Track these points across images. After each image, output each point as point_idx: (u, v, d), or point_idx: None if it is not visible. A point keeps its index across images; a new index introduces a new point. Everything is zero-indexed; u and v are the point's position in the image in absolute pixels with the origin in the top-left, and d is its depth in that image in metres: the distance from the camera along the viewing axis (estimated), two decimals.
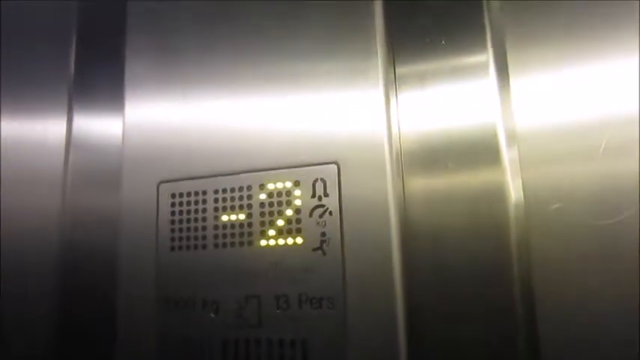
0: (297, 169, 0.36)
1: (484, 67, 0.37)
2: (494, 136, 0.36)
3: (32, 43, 0.50)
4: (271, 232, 0.36)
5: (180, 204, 0.38)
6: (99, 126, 0.47)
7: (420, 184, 0.37)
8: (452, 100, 0.38)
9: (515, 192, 0.35)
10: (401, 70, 0.39)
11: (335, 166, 0.35)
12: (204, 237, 0.37)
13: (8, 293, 0.44)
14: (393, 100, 0.37)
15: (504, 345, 0.34)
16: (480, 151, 0.36)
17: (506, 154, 0.35)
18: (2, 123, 0.48)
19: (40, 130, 0.47)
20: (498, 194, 0.35)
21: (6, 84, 0.49)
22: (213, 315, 0.36)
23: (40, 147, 0.47)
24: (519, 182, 0.35)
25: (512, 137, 0.36)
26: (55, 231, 0.44)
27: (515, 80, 0.37)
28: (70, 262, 0.44)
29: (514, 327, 0.34)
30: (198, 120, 0.40)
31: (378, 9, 0.37)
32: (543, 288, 0.34)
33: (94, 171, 0.46)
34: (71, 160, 0.46)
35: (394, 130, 0.37)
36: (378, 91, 0.36)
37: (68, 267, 0.43)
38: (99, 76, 0.48)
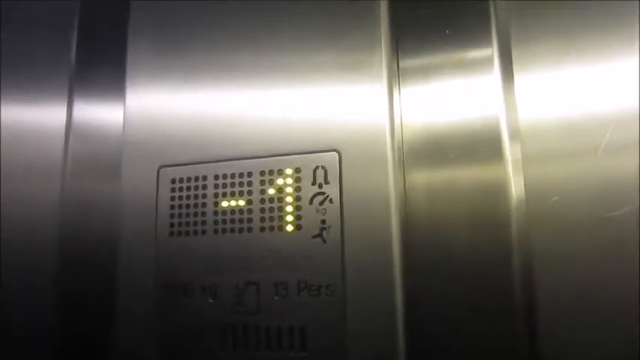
0: (297, 156, 0.36)
1: (489, 61, 0.37)
2: (497, 131, 0.36)
3: (32, 27, 0.50)
4: (271, 219, 0.36)
5: (181, 189, 0.38)
6: (99, 113, 0.46)
7: (422, 176, 0.37)
8: (455, 94, 0.37)
9: (516, 187, 0.35)
10: (404, 62, 0.39)
11: (336, 154, 0.35)
12: (203, 222, 0.37)
13: (7, 284, 0.43)
14: (396, 92, 0.37)
15: (504, 338, 0.34)
16: (482, 145, 0.36)
17: (509, 149, 0.35)
18: (1, 110, 0.48)
19: (40, 118, 0.47)
20: (500, 189, 0.35)
21: (5, 70, 0.49)
22: (211, 300, 0.36)
23: (39, 134, 0.46)
24: (521, 177, 0.35)
25: (515, 132, 0.36)
26: (54, 219, 0.44)
27: (519, 75, 0.37)
28: (69, 250, 0.43)
29: (513, 319, 0.34)
30: (199, 107, 0.40)
31: (384, 1, 0.37)
32: (544, 281, 0.34)
33: (93, 159, 0.45)
34: (71, 147, 0.45)
35: (396, 123, 0.36)
36: (382, 83, 0.36)
37: (67, 255, 0.43)
38: (100, 62, 0.47)
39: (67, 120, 0.46)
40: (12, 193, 0.45)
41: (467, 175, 0.36)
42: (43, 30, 0.49)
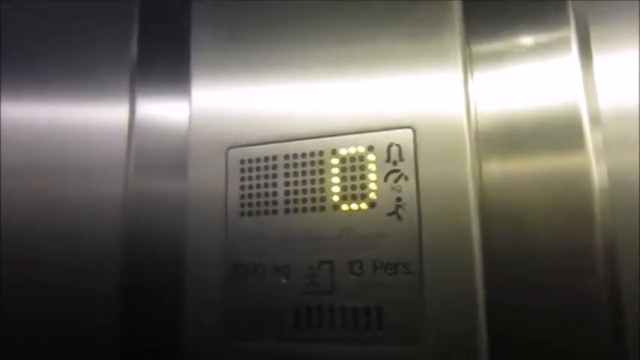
0: (370, 133, 0.36)
1: (566, 42, 0.36)
2: (577, 116, 0.35)
3: (92, 23, 0.50)
4: (344, 197, 0.35)
5: (250, 169, 0.38)
6: (162, 108, 0.47)
7: (497, 163, 0.36)
8: (531, 79, 0.37)
9: (599, 176, 0.34)
10: (476, 47, 0.38)
11: (411, 131, 0.35)
12: (274, 202, 0.37)
13: (72, 281, 0.43)
14: (469, 78, 0.36)
15: (586, 328, 0.33)
16: (561, 133, 0.35)
17: (590, 136, 0.34)
18: (64, 108, 0.48)
19: (103, 115, 0.47)
20: (581, 178, 0.34)
21: (67, 68, 0.49)
22: (284, 280, 0.36)
23: (103, 132, 0.46)
24: (604, 165, 0.34)
25: (595, 117, 0.34)
26: (117, 216, 0.44)
27: (598, 57, 0.35)
28: (134, 246, 0.43)
29: (598, 313, 0.33)
30: (268, 90, 0.39)
31: None
32: (630, 274, 0.32)
33: (157, 154, 0.45)
34: (134, 145, 0.45)
35: (472, 109, 0.36)
36: (457, 69, 0.35)
37: (131, 251, 0.43)
38: (160, 58, 0.47)
39: (129, 116, 0.46)
40: (76, 191, 0.45)
41: (545, 163, 0.35)
42: (104, 28, 0.49)
